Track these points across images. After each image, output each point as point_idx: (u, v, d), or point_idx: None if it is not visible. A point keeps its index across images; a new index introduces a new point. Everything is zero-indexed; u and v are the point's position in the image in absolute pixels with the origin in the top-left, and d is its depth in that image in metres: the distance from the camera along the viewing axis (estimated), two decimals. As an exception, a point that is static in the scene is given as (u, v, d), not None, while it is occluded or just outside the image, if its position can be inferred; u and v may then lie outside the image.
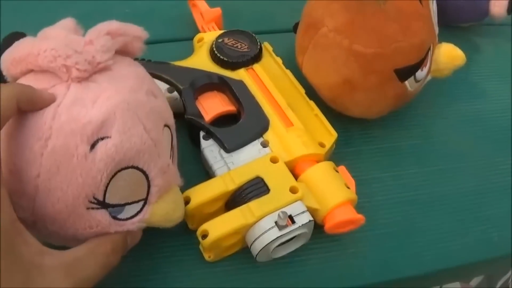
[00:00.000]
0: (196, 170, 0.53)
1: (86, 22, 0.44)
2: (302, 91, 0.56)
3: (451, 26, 0.74)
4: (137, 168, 0.40)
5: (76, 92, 0.39)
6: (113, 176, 0.39)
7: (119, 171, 0.39)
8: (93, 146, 0.38)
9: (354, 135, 0.59)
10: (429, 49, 0.55)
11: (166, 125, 0.44)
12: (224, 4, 0.65)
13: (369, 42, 0.51)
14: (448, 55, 0.57)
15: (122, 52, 0.43)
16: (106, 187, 0.39)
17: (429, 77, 0.59)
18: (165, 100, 0.46)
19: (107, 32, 0.41)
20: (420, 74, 0.55)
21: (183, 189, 0.47)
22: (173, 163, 0.46)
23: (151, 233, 0.45)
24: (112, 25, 0.42)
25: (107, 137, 0.38)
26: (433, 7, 0.57)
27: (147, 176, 0.41)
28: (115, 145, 0.38)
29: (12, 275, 0.32)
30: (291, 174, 0.49)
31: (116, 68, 0.42)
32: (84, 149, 0.37)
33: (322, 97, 0.56)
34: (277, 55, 0.59)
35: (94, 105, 0.38)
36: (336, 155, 0.55)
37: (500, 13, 0.70)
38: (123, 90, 0.40)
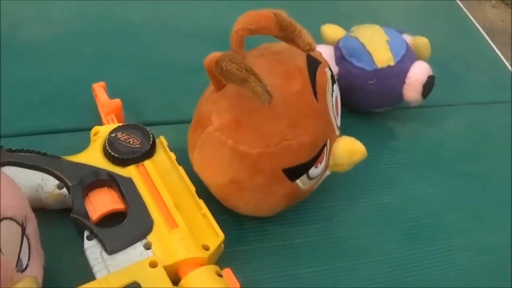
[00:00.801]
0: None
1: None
2: (193, 189, 0.55)
3: (366, 112, 0.73)
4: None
5: None
6: None
7: None
8: None
9: (249, 232, 0.58)
10: (325, 144, 0.54)
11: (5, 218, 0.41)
12: (129, 94, 0.65)
13: (255, 141, 0.50)
14: (347, 149, 0.56)
15: None
16: None
17: (328, 172, 0.57)
18: (11, 191, 0.44)
19: None
20: (314, 171, 0.53)
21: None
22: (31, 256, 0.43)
23: None
24: None
25: None
26: (331, 100, 0.56)
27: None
28: None
29: None
30: (168, 280, 0.47)
31: None
32: None
33: (213, 194, 0.55)
34: (177, 148, 0.58)
35: None
36: (228, 254, 0.54)
37: (415, 98, 0.69)
38: None
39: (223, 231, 0.53)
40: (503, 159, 0.74)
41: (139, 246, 0.50)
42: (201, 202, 0.54)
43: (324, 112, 0.54)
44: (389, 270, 0.58)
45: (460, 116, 0.79)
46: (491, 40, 2.24)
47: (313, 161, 0.53)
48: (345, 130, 0.68)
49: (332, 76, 0.56)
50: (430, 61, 0.72)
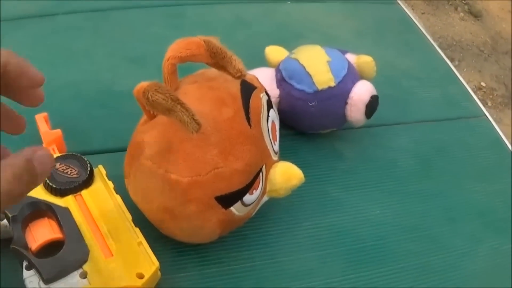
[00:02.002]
0: None
1: None
2: (129, 217, 0.55)
3: (312, 133, 0.73)
4: None
5: None
6: None
7: None
8: None
9: (188, 258, 0.58)
10: (260, 170, 0.54)
11: None
12: (73, 123, 0.66)
13: (185, 170, 0.50)
14: (284, 175, 0.56)
15: None
16: None
17: (265, 198, 0.58)
18: None
19: None
20: (249, 198, 0.54)
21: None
22: None
23: None
24: None
25: None
26: (267, 125, 0.56)
27: None
28: None
29: None
30: (102, 310, 0.47)
31: None
32: None
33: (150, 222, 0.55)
34: (119, 175, 0.58)
35: None
36: (166, 281, 0.54)
37: (358, 118, 0.69)
38: None
39: (162, 258, 0.53)
40: (456, 177, 0.74)
41: (75, 275, 0.50)
42: (137, 230, 0.54)
43: (257, 138, 0.54)
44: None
45: (411, 134, 0.79)
46: (460, 52, 2.28)
47: (247, 188, 0.53)
48: (290, 152, 0.69)
49: (269, 101, 0.57)
50: (381, 79, 0.72)
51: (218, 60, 0.50)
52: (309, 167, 0.67)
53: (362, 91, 0.67)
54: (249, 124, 0.53)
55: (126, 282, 0.50)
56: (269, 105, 0.57)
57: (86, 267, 0.51)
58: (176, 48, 0.51)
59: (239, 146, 0.52)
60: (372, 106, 0.68)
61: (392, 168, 0.73)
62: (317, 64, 0.67)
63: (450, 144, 0.79)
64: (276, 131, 0.58)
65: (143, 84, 0.46)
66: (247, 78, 0.56)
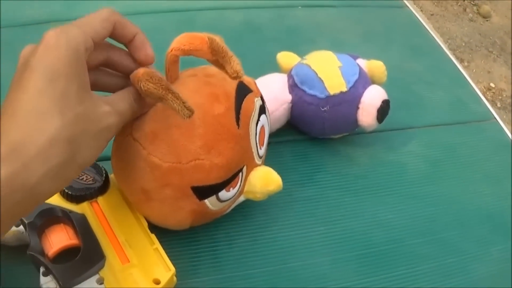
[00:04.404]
0: None
1: None
2: (145, 223, 0.56)
3: (323, 138, 0.74)
4: None
5: None
6: None
7: None
8: None
9: (203, 263, 0.58)
10: (240, 170, 0.55)
11: None
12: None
13: (167, 155, 0.51)
14: (262, 179, 0.57)
15: None
16: None
17: (242, 198, 0.58)
18: None
19: None
20: (224, 194, 0.55)
21: None
22: None
23: None
24: None
25: None
26: (255, 128, 0.56)
27: None
28: None
29: (70, 81, 0.40)
30: (119, 315, 0.48)
31: None
32: None
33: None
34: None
35: None
36: (182, 287, 0.55)
37: (370, 123, 0.69)
38: None
39: (177, 263, 0.53)
40: (466, 181, 0.74)
41: (92, 281, 0.51)
42: (153, 236, 0.55)
43: (243, 139, 0.55)
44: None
45: (421, 139, 0.79)
46: (469, 53, 2.27)
47: (225, 184, 0.54)
48: (302, 157, 0.69)
49: (262, 106, 0.57)
50: (391, 83, 0.72)
51: (218, 58, 0.51)
52: (321, 172, 0.68)
53: (373, 96, 0.68)
54: (238, 124, 0.54)
55: (142, 288, 0.50)
56: (262, 111, 0.58)
57: (102, 273, 0.51)
58: (180, 40, 0.52)
59: (224, 143, 0.53)
60: (383, 110, 0.68)
61: (403, 172, 0.73)
62: (329, 70, 0.68)
63: (460, 147, 0.79)
64: (264, 136, 0.59)
65: (138, 71, 0.47)
66: (245, 81, 0.57)
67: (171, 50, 0.52)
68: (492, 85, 2.46)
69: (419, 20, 1.05)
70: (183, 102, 0.46)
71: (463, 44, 2.65)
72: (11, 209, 0.38)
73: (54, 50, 0.41)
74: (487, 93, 2.39)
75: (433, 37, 1.01)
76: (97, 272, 0.51)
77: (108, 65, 0.50)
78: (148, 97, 0.48)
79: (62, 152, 0.40)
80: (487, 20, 2.84)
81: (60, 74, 0.40)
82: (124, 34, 0.47)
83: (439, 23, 2.71)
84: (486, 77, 2.49)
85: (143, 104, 0.49)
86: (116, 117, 0.45)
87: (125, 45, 0.49)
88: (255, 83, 0.59)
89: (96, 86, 0.48)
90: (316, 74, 0.67)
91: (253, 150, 0.56)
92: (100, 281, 0.51)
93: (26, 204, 0.40)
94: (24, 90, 0.40)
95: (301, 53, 0.74)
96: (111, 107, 0.44)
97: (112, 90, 0.49)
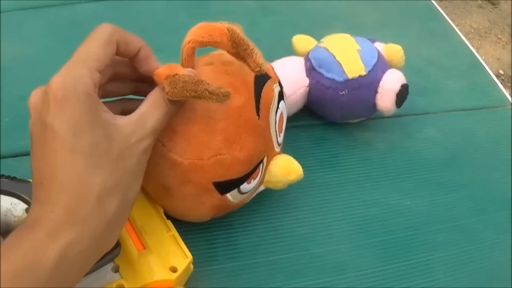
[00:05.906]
0: None
1: None
2: (161, 210, 0.55)
3: (340, 123, 0.73)
4: None
5: None
6: None
7: None
8: None
9: (220, 250, 0.57)
10: (261, 161, 0.54)
11: None
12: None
13: (188, 152, 0.49)
14: (283, 169, 0.56)
15: None
16: None
17: (262, 187, 0.57)
18: None
19: None
20: (246, 187, 0.53)
21: None
22: None
23: None
24: None
25: None
26: (275, 117, 0.55)
27: None
28: None
29: (94, 129, 0.39)
30: (134, 304, 0.47)
31: None
32: None
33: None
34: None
35: None
36: (199, 274, 0.54)
37: (388, 108, 0.68)
38: None
39: (194, 250, 0.52)
40: (484, 167, 0.73)
41: (107, 269, 0.50)
42: (169, 223, 0.54)
43: (264, 129, 0.53)
44: (367, 285, 0.57)
45: (438, 124, 0.78)
46: (478, 39, 2.25)
47: (246, 177, 0.52)
48: (319, 141, 0.68)
49: (280, 92, 0.56)
50: (407, 68, 0.71)
51: (239, 51, 0.49)
52: (339, 157, 0.67)
53: (392, 80, 0.66)
54: (258, 115, 0.52)
55: (159, 276, 0.49)
56: (281, 97, 0.56)
57: (118, 260, 0.50)
58: (198, 32, 0.49)
59: (245, 136, 0.51)
60: (402, 95, 0.66)
61: (421, 158, 0.72)
62: (348, 53, 0.66)
63: (477, 133, 0.78)
64: (283, 123, 0.57)
65: (160, 77, 0.45)
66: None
67: (189, 42, 0.49)
68: (501, 71, 2.44)
69: (435, 6, 1.03)
70: (216, 90, 0.44)
71: (472, 31, 2.62)
72: (84, 268, 0.41)
73: (66, 103, 0.39)
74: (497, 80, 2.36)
75: (449, 23, 0.99)
76: (112, 260, 0.50)
77: (115, 78, 0.49)
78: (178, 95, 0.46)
79: (113, 201, 0.41)
80: (496, 7, 2.81)
81: (81, 126, 0.39)
82: (128, 51, 0.45)
83: (448, 9, 2.68)
84: (495, 64, 2.47)
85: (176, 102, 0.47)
86: (148, 139, 0.44)
87: (130, 59, 0.47)
88: (273, 68, 0.57)
89: (109, 95, 0.49)
90: (335, 57, 0.66)
91: (273, 139, 0.55)
92: (116, 269, 0.50)
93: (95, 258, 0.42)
94: (53, 153, 0.39)
95: (317, 37, 0.72)
96: (140, 129, 0.43)
97: (125, 94, 0.50)
